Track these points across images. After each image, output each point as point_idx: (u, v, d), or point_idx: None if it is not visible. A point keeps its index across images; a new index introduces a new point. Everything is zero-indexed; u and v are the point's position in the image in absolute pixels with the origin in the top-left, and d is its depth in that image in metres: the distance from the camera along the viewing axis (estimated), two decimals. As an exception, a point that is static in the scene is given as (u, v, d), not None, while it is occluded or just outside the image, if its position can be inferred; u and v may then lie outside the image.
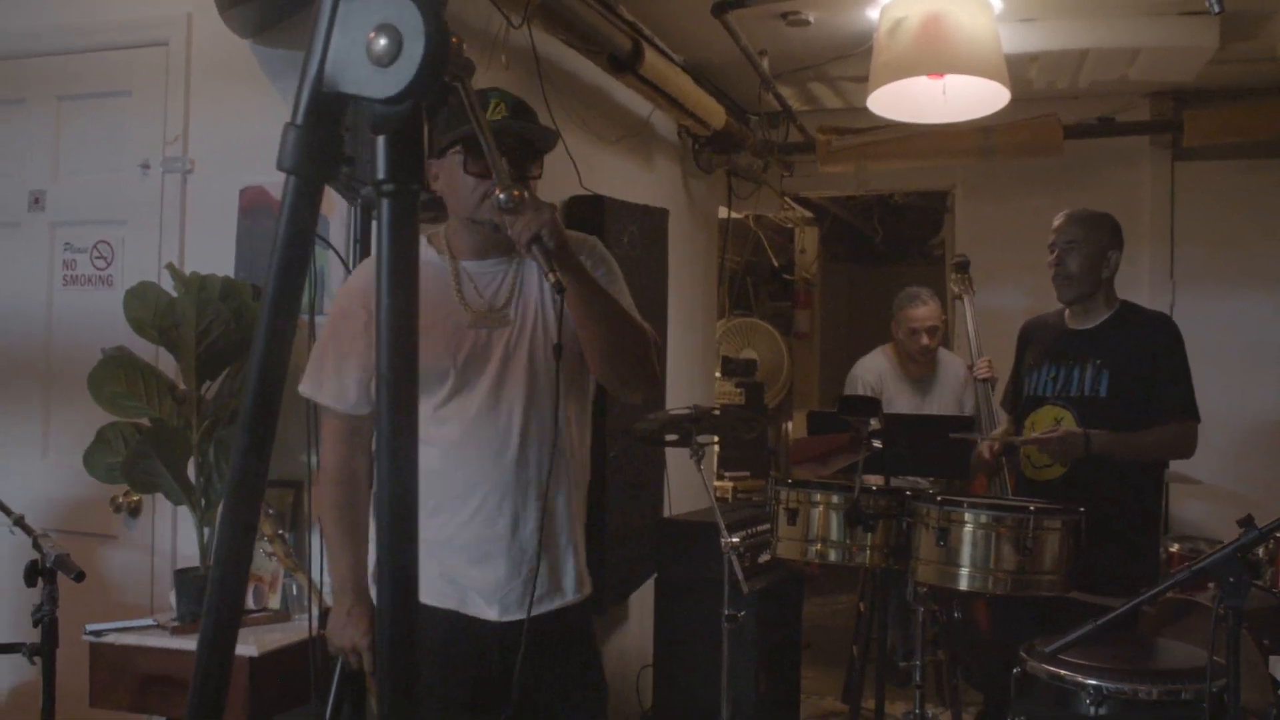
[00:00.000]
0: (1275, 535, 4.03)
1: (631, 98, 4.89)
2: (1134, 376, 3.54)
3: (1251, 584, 1.76)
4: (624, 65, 4.34)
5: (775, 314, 8.96)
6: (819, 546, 3.36)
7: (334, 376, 2.40)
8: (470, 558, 2.37)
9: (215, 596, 1.02)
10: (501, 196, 1.88)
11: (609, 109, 4.89)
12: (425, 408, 2.31)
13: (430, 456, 2.30)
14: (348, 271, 3.09)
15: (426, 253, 2.39)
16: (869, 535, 3.29)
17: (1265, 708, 2.71)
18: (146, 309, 3.00)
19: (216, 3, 3.28)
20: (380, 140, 0.98)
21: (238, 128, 3.60)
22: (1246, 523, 1.95)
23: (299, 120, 1.00)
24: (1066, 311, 3.75)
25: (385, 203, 0.98)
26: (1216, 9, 3.07)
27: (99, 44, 3.86)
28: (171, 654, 2.91)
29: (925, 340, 4.99)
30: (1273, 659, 2.11)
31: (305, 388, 2.44)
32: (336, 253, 3.13)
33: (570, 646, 2.47)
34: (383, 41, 0.93)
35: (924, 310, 5.00)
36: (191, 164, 3.70)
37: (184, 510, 3.19)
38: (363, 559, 2.42)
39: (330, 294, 3.36)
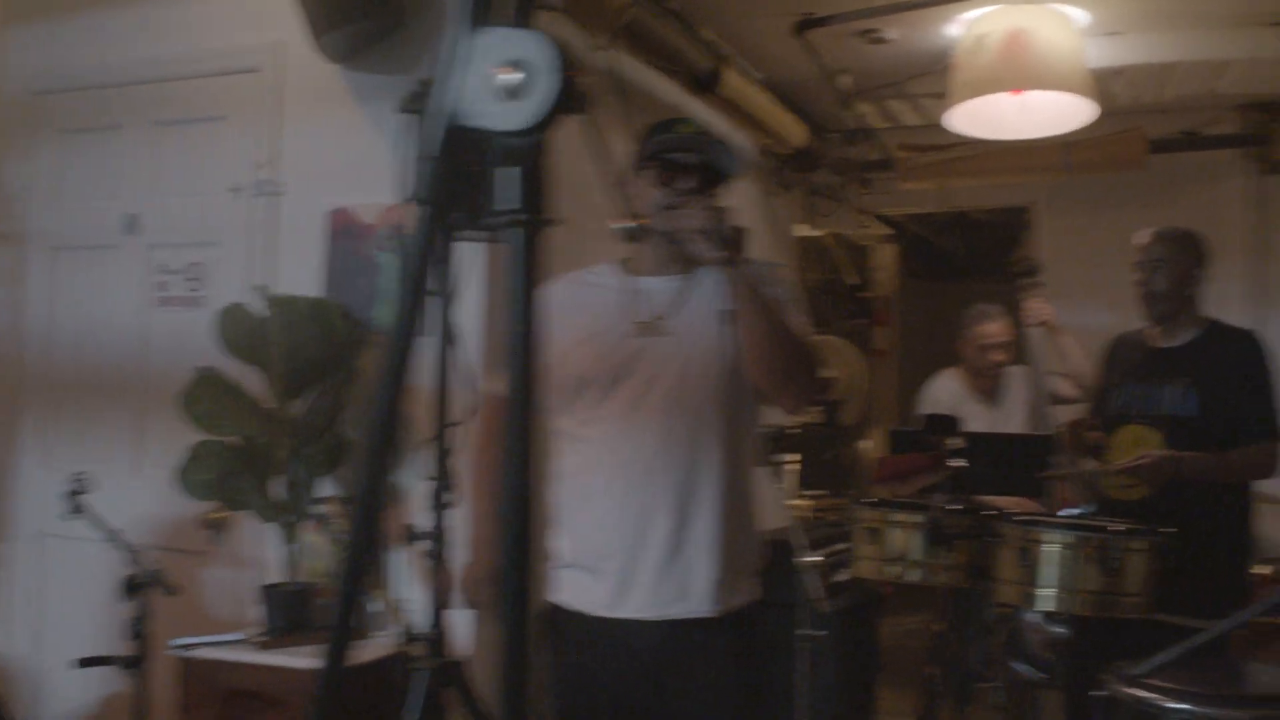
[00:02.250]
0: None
1: (711, 116, 4.91)
2: (1222, 395, 3.48)
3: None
4: (704, 85, 4.37)
5: (853, 331, 8.88)
6: (899, 566, 3.34)
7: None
8: (605, 555, 2.44)
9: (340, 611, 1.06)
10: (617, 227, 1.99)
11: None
12: (579, 412, 2.46)
13: (581, 457, 2.47)
14: (430, 291, 3.14)
15: (608, 271, 2.56)
16: (950, 554, 3.26)
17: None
18: (237, 329, 3.08)
19: (309, 29, 3.37)
20: (508, 173, 1.00)
21: (327, 151, 3.69)
22: None
23: (434, 152, 1.03)
24: (1152, 329, 3.70)
25: (517, 233, 1.01)
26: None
27: (195, 71, 3.99)
28: (259, 668, 2.98)
29: (996, 356, 4.95)
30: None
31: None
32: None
33: (697, 660, 2.47)
34: (513, 76, 0.96)
35: (994, 326, 4.96)
36: (281, 187, 3.79)
37: (270, 526, 3.26)
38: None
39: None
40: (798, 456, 3.91)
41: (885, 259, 8.89)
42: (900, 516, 3.30)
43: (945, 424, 3.49)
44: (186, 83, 4.02)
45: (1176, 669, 2.87)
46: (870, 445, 7.81)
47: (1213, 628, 1.83)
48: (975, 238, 8.78)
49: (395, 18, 3.52)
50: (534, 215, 1.02)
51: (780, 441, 3.65)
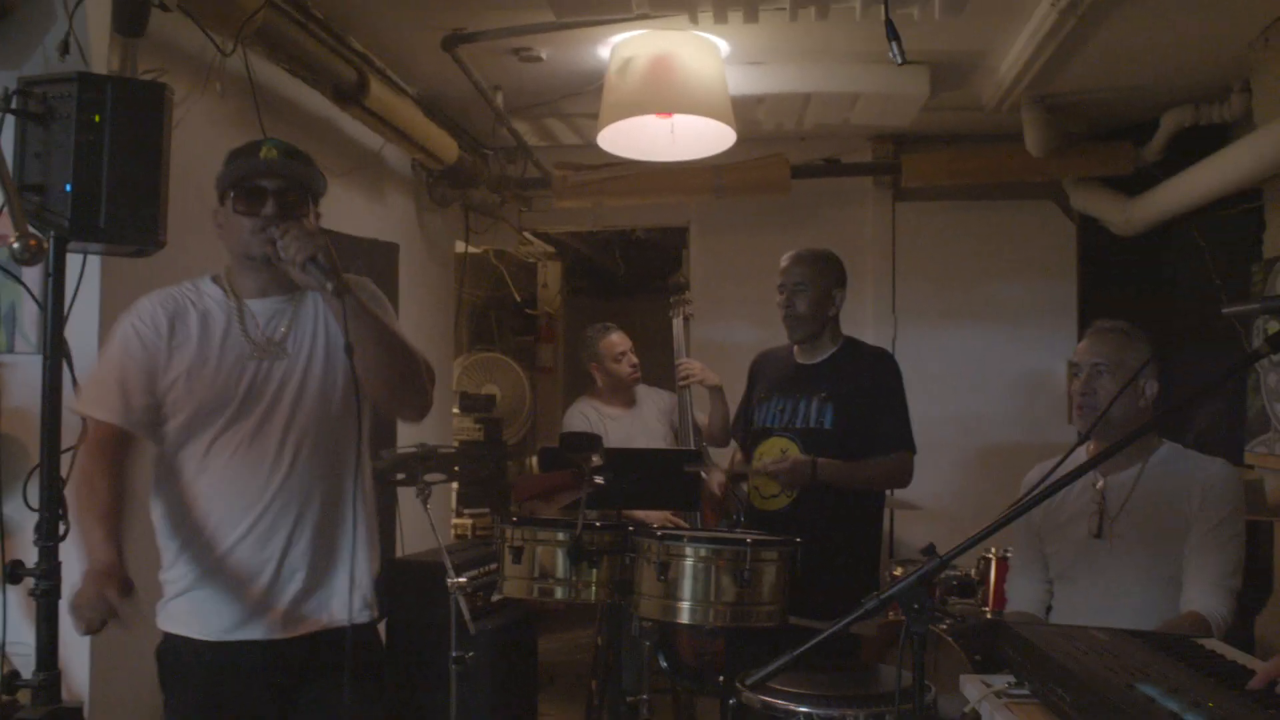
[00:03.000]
0: (985, 555, 4.28)
1: (361, 129, 4.78)
2: (856, 409, 3.69)
3: (936, 608, 1.84)
4: (349, 96, 4.24)
5: (519, 348, 8.93)
6: (545, 584, 3.33)
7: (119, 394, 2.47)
8: (242, 579, 2.44)
9: None
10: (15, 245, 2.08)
11: (337, 140, 4.76)
12: (205, 437, 2.45)
13: (209, 482, 2.45)
14: (40, 306, 2.89)
15: (213, 291, 2.55)
16: (594, 571, 3.27)
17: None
18: None
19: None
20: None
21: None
22: (929, 551, 2.03)
23: None
24: (794, 346, 3.87)
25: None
26: (899, 60, 3.23)
27: None
28: None
29: (632, 360, 5.07)
30: (962, 677, 2.19)
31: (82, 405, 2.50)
32: (27, 288, 2.92)
33: (338, 671, 2.46)
34: None
35: (618, 335, 5.11)
36: None
37: None
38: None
39: (22, 331, 3.20)
40: (446, 476, 3.83)
41: (550, 276, 8.99)
42: (544, 534, 3.29)
43: (584, 441, 3.50)
44: None
45: (805, 673, 3.00)
46: (535, 462, 7.85)
47: (824, 631, 1.91)
48: (637, 256, 9.01)
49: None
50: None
51: (430, 460, 3.58)
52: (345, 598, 2.51)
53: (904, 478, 3.75)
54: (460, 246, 6.56)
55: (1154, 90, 5.13)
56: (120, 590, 2.31)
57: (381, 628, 4.33)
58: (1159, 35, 4.36)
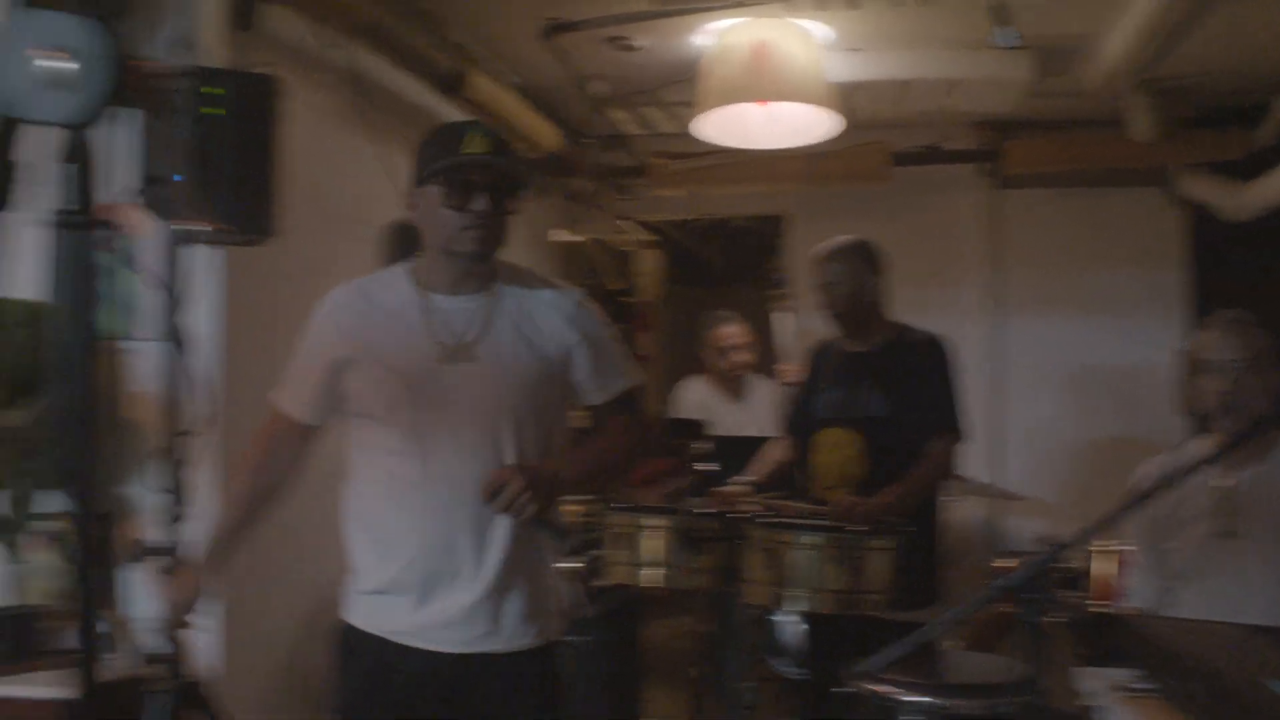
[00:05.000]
0: (1093, 548, 4.20)
1: (460, 119, 4.83)
2: (907, 394, 3.67)
3: (1051, 599, 1.81)
4: (449, 87, 4.29)
5: (624, 336, 8.90)
6: (650, 570, 3.34)
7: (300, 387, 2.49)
8: (422, 592, 2.36)
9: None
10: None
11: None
12: (384, 439, 2.37)
13: (390, 487, 2.37)
14: (162, 294, 2.98)
15: (402, 285, 2.45)
16: (700, 558, 3.28)
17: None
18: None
19: None
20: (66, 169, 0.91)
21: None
22: (1046, 542, 2.01)
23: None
24: (845, 337, 3.86)
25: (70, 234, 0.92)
26: (1008, 44, 3.16)
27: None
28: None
29: (737, 356, 5.07)
30: (1077, 670, 2.17)
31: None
32: (144, 277, 3.01)
33: (510, 695, 2.41)
34: (59, 63, 0.86)
35: (730, 329, 5.11)
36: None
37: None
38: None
39: (143, 318, 3.29)
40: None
41: (648, 264, 8.97)
42: (649, 521, 3.30)
43: (689, 427, 3.51)
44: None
45: (911, 663, 2.98)
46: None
47: (939, 620, 1.90)
48: (734, 245, 8.97)
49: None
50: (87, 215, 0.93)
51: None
52: (519, 621, 2.40)
53: (951, 465, 3.71)
54: (559, 235, 6.60)
55: (1265, 72, 4.98)
56: (186, 593, 2.38)
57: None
58: (1272, 14, 4.23)
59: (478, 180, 2.33)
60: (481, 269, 2.42)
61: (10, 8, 0.88)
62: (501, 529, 2.35)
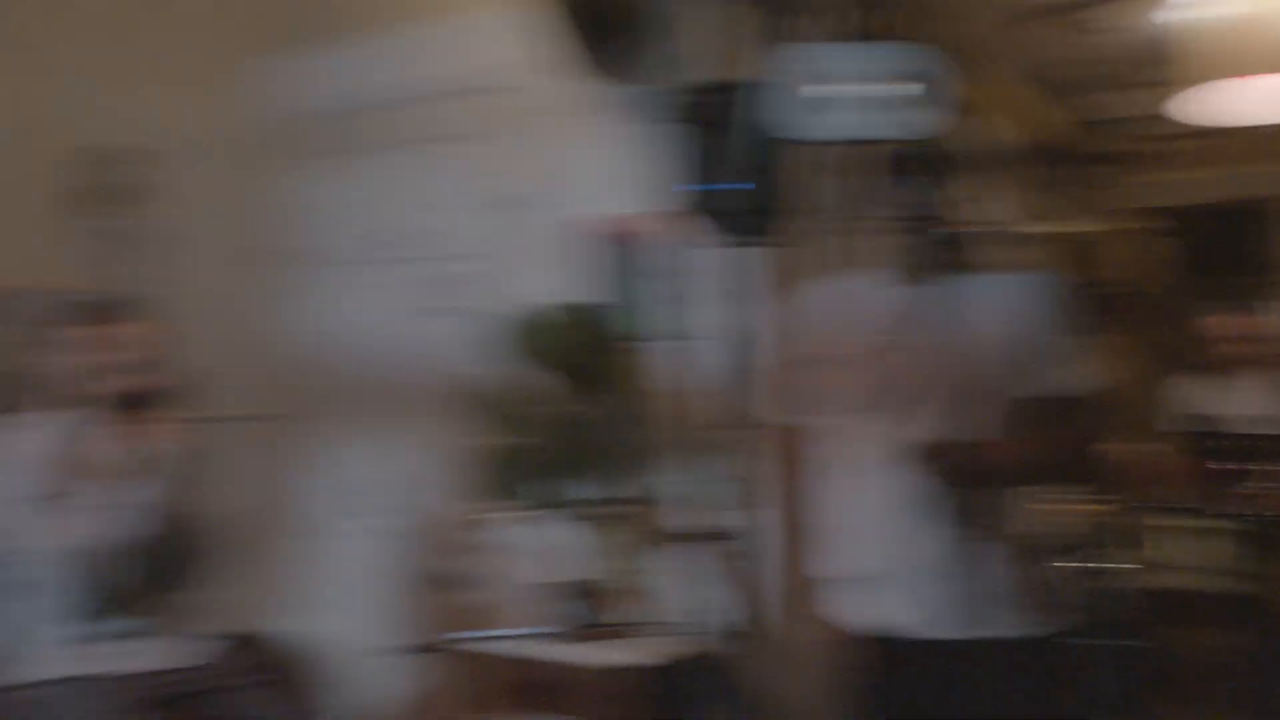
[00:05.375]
0: None
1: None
2: None
3: None
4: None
5: (1125, 329, 8.47)
6: (1182, 573, 3.19)
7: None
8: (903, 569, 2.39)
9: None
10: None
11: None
12: (877, 424, 2.41)
13: (880, 474, 2.41)
14: (716, 297, 3.17)
15: (876, 279, 2.49)
16: (1244, 560, 3.10)
17: None
18: (535, 335, 3.18)
19: (564, 44, 3.43)
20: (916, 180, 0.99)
21: (584, 164, 3.76)
22: None
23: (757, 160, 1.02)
24: None
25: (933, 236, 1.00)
26: None
27: (452, 91, 4.13)
28: (552, 664, 3.04)
29: (1246, 347, 4.68)
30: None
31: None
32: (694, 278, 3.18)
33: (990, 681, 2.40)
34: (909, 88, 0.95)
35: (1238, 319, 4.74)
36: (540, 199, 3.89)
37: (565, 524, 3.33)
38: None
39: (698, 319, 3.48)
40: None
41: (1157, 253, 8.46)
42: (1179, 521, 3.16)
43: (1193, 424, 3.28)
44: (446, 102, 4.17)
45: None
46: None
47: None
48: (1242, 230, 8.32)
49: (648, 32, 3.55)
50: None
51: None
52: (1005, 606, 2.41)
53: None
54: (1075, 225, 6.39)
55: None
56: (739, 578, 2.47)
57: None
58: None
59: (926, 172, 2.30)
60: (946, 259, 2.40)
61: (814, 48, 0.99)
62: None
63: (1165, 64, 4.40)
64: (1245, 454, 4.01)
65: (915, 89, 0.82)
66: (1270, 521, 3.13)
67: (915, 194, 2.36)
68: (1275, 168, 5.69)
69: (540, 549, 3.60)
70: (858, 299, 2.51)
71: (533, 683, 3.01)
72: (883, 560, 2.41)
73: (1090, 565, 3.43)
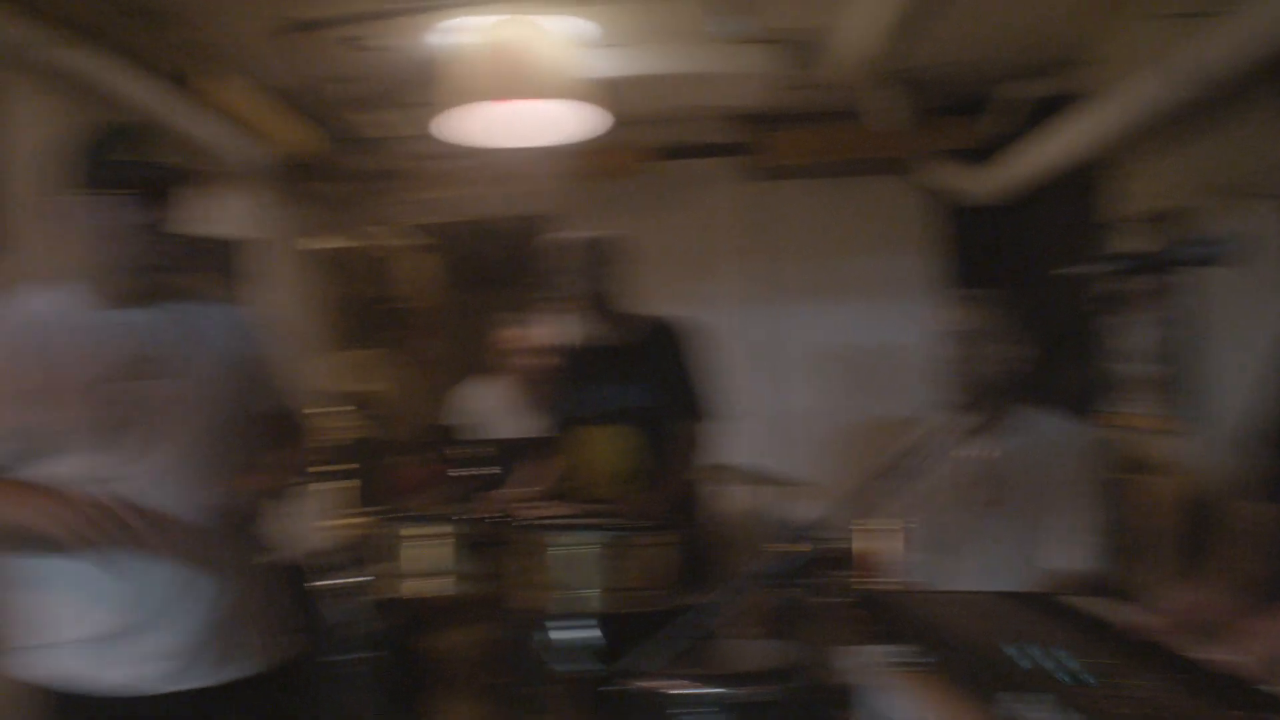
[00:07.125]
0: (858, 528, 4.30)
1: (207, 124, 4.58)
2: (659, 383, 3.66)
3: (814, 582, 1.85)
4: (189, 87, 4.08)
5: (395, 344, 8.71)
6: (429, 580, 3.26)
7: None
8: (136, 626, 2.21)
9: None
10: None
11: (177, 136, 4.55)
12: (76, 463, 2.19)
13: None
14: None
15: (68, 302, 2.27)
16: (479, 564, 3.23)
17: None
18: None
19: None
20: None
21: None
22: (790, 526, 2.07)
23: None
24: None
25: None
26: (726, 33, 3.17)
27: None
28: None
29: (523, 359, 4.98)
30: (842, 649, 2.21)
31: None
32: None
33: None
34: None
35: (516, 331, 5.03)
36: None
37: None
38: None
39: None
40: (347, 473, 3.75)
41: (425, 269, 8.79)
42: (422, 530, 3.23)
43: (443, 434, 3.45)
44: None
45: (674, 657, 2.96)
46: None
47: (698, 610, 1.91)
48: (507, 246, 8.87)
49: None
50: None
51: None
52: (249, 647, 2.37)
53: (696, 449, 3.71)
54: (324, 242, 6.39)
55: (995, 64, 5.25)
56: None
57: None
58: (998, 12, 4.45)
59: (136, 188, 2.20)
60: (155, 283, 2.30)
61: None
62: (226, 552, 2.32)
63: (431, 86, 4.49)
64: (487, 460, 4.22)
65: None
66: (498, 523, 3.24)
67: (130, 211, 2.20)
68: (545, 187, 6.12)
69: None
70: (50, 322, 2.25)
71: None
72: (103, 618, 2.20)
73: (343, 582, 3.42)
